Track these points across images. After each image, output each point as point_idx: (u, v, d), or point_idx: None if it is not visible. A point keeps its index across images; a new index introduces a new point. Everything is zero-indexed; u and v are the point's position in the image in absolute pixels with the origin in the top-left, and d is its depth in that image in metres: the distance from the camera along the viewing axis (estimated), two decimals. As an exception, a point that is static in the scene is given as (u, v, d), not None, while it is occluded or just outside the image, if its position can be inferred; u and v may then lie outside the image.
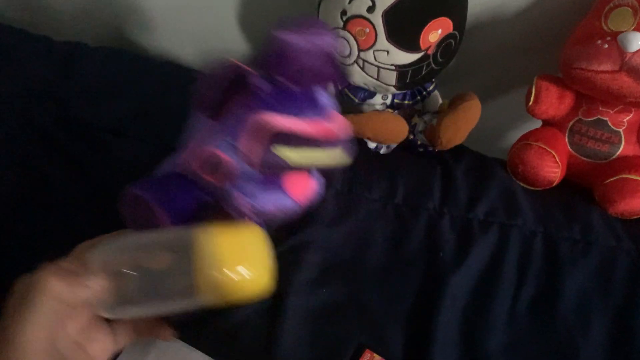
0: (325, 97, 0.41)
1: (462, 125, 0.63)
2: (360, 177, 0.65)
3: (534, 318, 0.53)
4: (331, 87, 0.46)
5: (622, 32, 0.58)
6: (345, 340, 0.50)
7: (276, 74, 0.39)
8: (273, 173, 0.40)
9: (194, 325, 0.48)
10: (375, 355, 0.48)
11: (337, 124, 0.41)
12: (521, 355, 0.50)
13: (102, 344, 0.41)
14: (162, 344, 0.46)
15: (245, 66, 0.39)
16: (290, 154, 0.38)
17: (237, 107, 0.39)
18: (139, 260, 0.39)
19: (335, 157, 0.40)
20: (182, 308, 0.40)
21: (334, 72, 0.41)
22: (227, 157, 0.40)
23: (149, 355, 0.45)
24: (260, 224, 0.43)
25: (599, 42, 0.59)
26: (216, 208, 0.45)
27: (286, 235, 0.56)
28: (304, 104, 0.40)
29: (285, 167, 0.39)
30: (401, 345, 0.50)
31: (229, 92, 0.39)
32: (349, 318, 0.51)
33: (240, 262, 0.38)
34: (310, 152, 0.39)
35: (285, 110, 0.38)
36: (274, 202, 0.40)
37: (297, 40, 0.38)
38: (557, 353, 0.51)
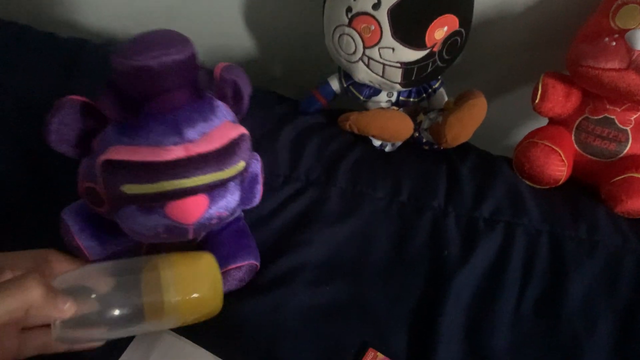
0: (190, 117, 0.37)
1: (467, 123, 0.63)
2: (365, 175, 0.64)
3: (539, 318, 0.53)
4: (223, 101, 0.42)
5: (630, 29, 0.57)
6: (348, 339, 0.49)
7: (128, 100, 0.37)
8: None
9: (197, 324, 0.48)
10: (378, 354, 0.48)
11: (209, 144, 0.37)
12: (526, 355, 0.50)
13: (6, 353, 0.40)
14: (166, 341, 0.46)
15: (88, 101, 0.38)
16: (140, 188, 0.36)
17: (96, 141, 0.40)
18: (94, 288, 0.40)
19: (208, 179, 0.37)
20: (129, 333, 0.43)
21: (191, 86, 0.38)
22: (99, 189, 0.41)
23: (153, 352, 0.45)
24: (143, 243, 0.46)
25: (607, 39, 0.58)
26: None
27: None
28: (161, 130, 0.36)
29: (140, 200, 0.37)
30: (405, 344, 0.50)
31: (88, 126, 0.39)
32: (353, 316, 0.51)
33: (188, 287, 0.41)
34: (164, 183, 0.36)
35: (138, 141, 0.36)
36: (153, 225, 0.40)
37: (127, 62, 0.35)
38: (562, 353, 0.50)
